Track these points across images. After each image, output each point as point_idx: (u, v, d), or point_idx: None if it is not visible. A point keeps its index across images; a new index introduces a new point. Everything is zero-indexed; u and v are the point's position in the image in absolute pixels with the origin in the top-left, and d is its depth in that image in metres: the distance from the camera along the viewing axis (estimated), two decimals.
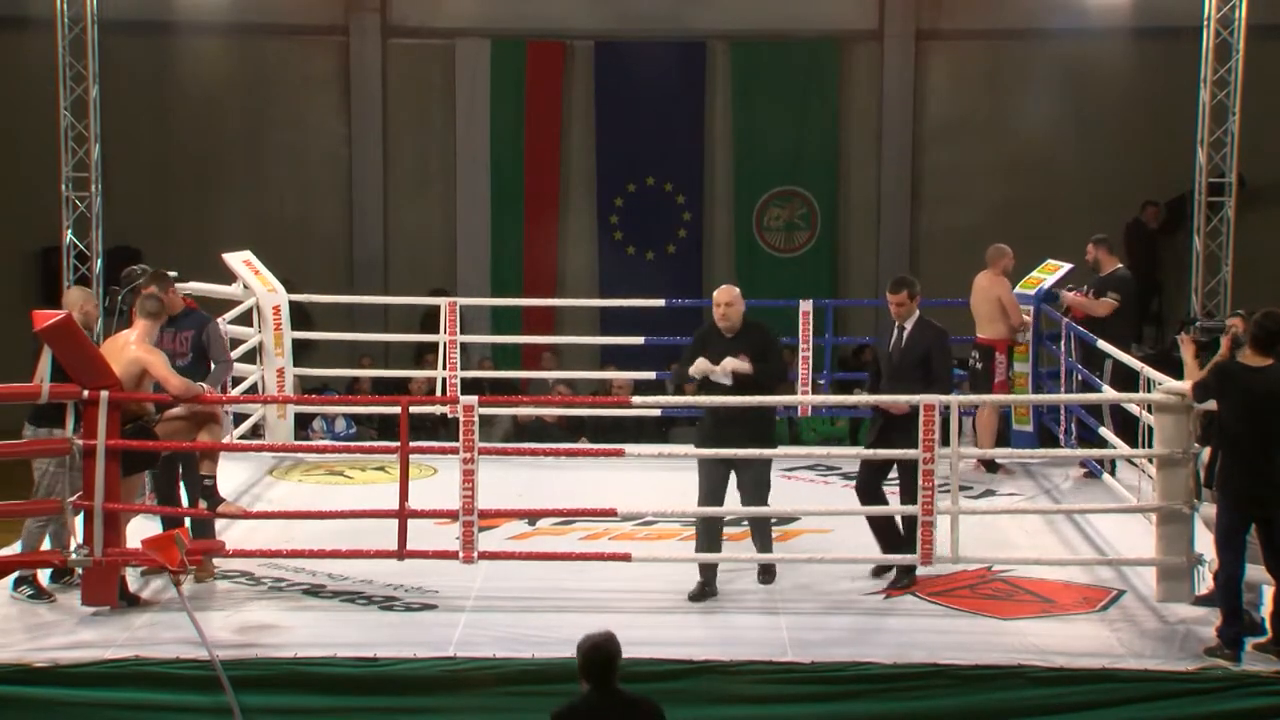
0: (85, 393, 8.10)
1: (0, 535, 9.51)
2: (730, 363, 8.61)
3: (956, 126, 17.10)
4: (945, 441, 8.31)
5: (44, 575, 8.60)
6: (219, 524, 9.32)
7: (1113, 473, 10.62)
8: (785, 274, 16.92)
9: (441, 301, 12.31)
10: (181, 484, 8.99)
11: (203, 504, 8.65)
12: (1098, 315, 11.18)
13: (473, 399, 8.39)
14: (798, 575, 8.86)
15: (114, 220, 13.05)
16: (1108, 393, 10.39)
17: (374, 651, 7.71)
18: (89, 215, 12.39)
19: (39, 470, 8.58)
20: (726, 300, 8.75)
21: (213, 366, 9.20)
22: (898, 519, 8.77)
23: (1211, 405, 8.15)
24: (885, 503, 8.90)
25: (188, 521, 8.66)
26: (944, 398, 8.35)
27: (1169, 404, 8.40)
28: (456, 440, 8.33)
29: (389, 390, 14.29)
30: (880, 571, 8.84)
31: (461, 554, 8.32)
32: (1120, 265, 11.49)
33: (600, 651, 6.32)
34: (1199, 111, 12.42)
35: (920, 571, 8.67)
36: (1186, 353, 9.04)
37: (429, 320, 15.99)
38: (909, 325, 8.91)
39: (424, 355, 14.37)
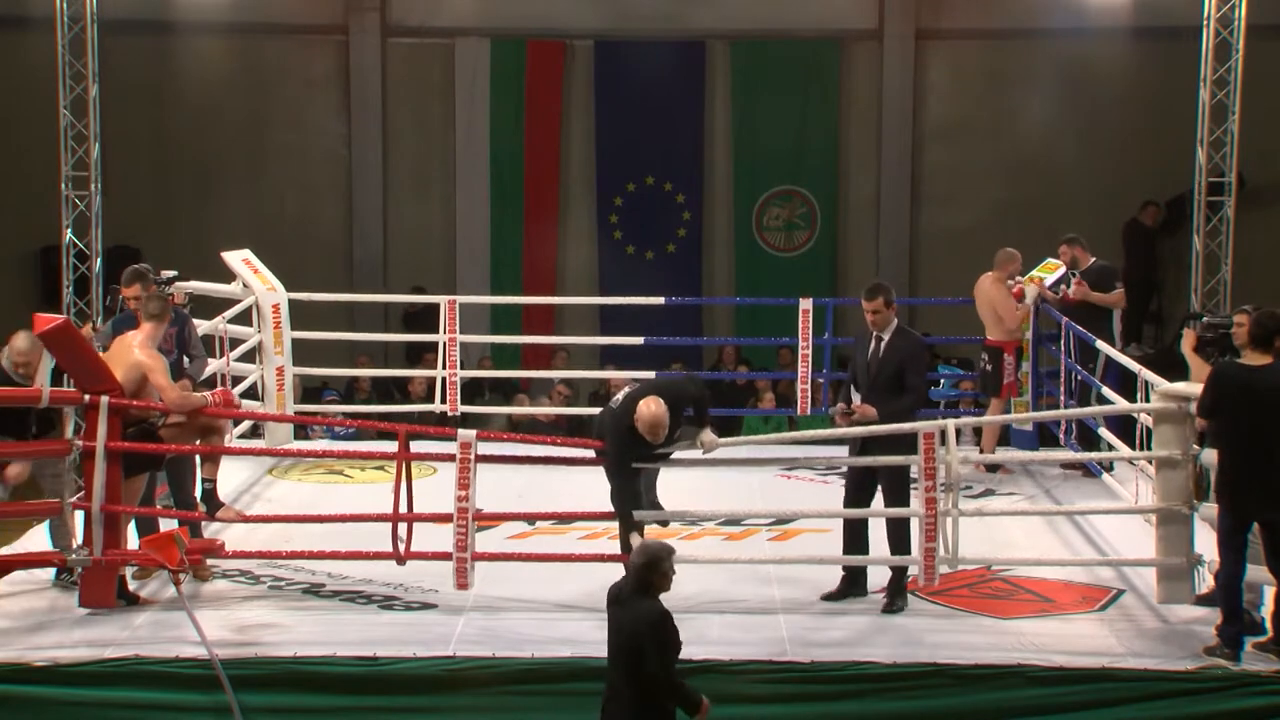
0: (86, 397, 8.10)
1: (0, 535, 9.53)
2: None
3: (956, 126, 17.11)
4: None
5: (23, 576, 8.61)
6: (217, 525, 9.32)
7: (1110, 470, 10.63)
8: (785, 273, 16.93)
9: (442, 300, 12.29)
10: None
11: (201, 507, 8.64)
12: (1117, 306, 11.27)
13: (470, 433, 8.32)
14: (798, 575, 8.86)
15: (114, 220, 13.04)
16: (1110, 399, 10.38)
17: (374, 651, 7.71)
18: (89, 214, 12.37)
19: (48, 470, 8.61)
20: (656, 425, 8.23)
21: (187, 362, 9.22)
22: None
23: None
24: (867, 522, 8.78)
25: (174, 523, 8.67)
26: (943, 423, 8.29)
27: (1168, 406, 8.39)
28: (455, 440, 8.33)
29: (388, 390, 14.31)
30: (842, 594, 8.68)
31: (455, 581, 8.28)
32: (1094, 259, 11.55)
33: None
34: (1199, 111, 12.41)
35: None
36: (1186, 344, 9.02)
37: (411, 319, 16.10)
38: (887, 335, 8.66)
39: (423, 355, 14.38)
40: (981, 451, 11.41)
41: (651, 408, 8.18)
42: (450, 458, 8.35)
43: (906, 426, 8.38)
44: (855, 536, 8.70)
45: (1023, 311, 11.55)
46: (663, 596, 6.63)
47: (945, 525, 8.22)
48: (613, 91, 17.09)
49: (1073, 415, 11.12)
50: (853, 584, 8.66)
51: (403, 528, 8.36)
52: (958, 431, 8.47)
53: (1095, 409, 10.63)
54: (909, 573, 8.53)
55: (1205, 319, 9.30)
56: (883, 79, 17.09)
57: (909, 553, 8.44)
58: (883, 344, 8.68)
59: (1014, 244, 11.87)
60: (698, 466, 9.23)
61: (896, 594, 8.52)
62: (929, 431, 8.20)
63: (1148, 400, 8.99)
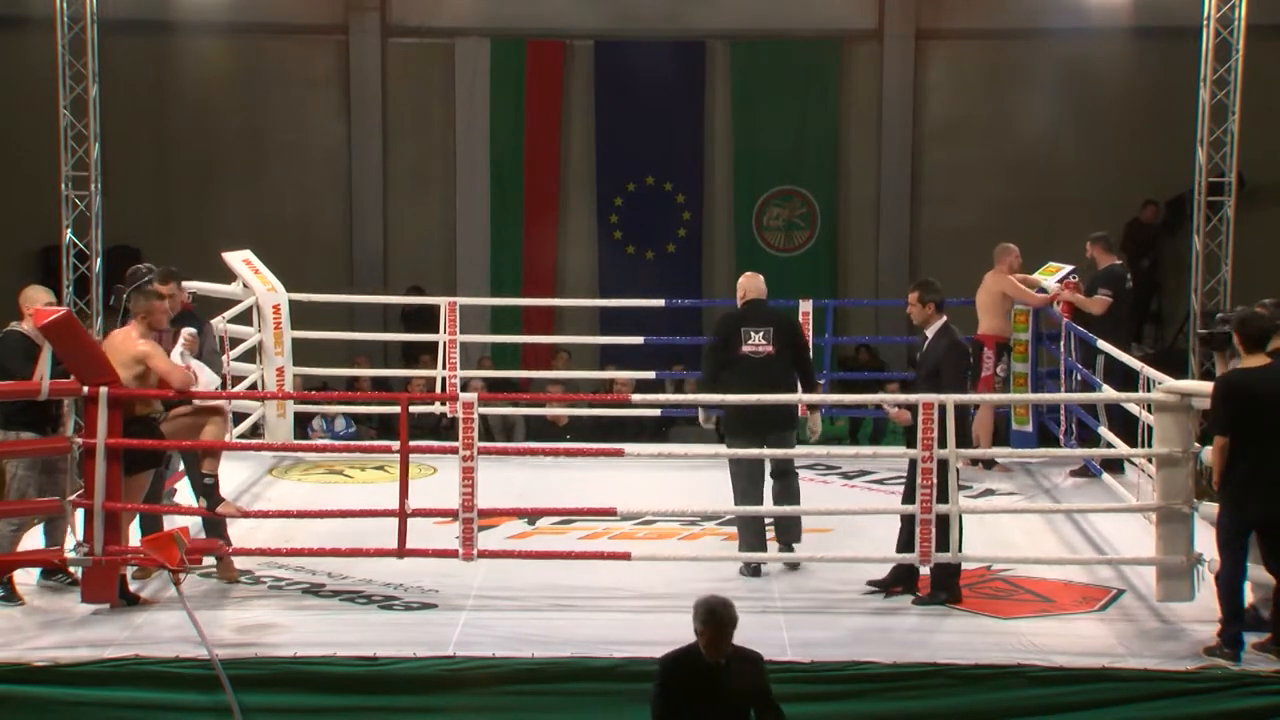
0: (85, 389, 8.10)
1: None
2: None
3: (956, 126, 17.11)
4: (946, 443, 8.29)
5: (22, 576, 8.58)
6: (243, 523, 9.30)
7: (1121, 470, 10.62)
8: (785, 273, 16.90)
9: (442, 301, 12.30)
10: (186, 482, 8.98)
11: (202, 502, 8.65)
12: (1093, 313, 11.19)
13: (472, 396, 8.39)
14: (798, 575, 8.86)
15: (114, 219, 13.06)
16: (1108, 392, 10.39)
17: (374, 651, 7.71)
18: (88, 214, 12.39)
19: (10, 473, 8.57)
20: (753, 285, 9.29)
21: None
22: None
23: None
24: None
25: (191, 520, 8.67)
26: (940, 396, 8.28)
27: (1168, 403, 8.39)
28: (456, 440, 8.33)
29: (388, 390, 14.30)
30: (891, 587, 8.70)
31: (461, 551, 8.32)
32: (1116, 262, 11.50)
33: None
34: (1199, 111, 12.42)
35: (923, 573, 8.64)
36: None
37: (408, 318, 16.10)
38: (930, 333, 8.72)
39: (420, 355, 14.38)
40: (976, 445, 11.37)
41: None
42: (452, 450, 8.36)
43: (909, 397, 8.44)
44: (910, 535, 8.64)
45: (1041, 299, 11.53)
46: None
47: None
48: (613, 91, 17.09)
49: (1070, 400, 11.13)
50: (901, 581, 8.64)
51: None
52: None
53: (1093, 395, 10.63)
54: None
55: (1218, 316, 9.22)
56: (883, 79, 17.10)
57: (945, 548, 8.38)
58: (925, 343, 8.78)
59: (1014, 244, 11.87)
60: (698, 467, 9.25)
61: (941, 587, 8.53)
62: (927, 403, 8.22)
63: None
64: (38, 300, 8.58)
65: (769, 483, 9.19)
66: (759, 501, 9.07)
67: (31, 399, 8.29)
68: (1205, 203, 12.53)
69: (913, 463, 8.58)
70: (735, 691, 6.51)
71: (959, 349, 8.78)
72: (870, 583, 8.67)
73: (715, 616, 6.48)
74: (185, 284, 10.30)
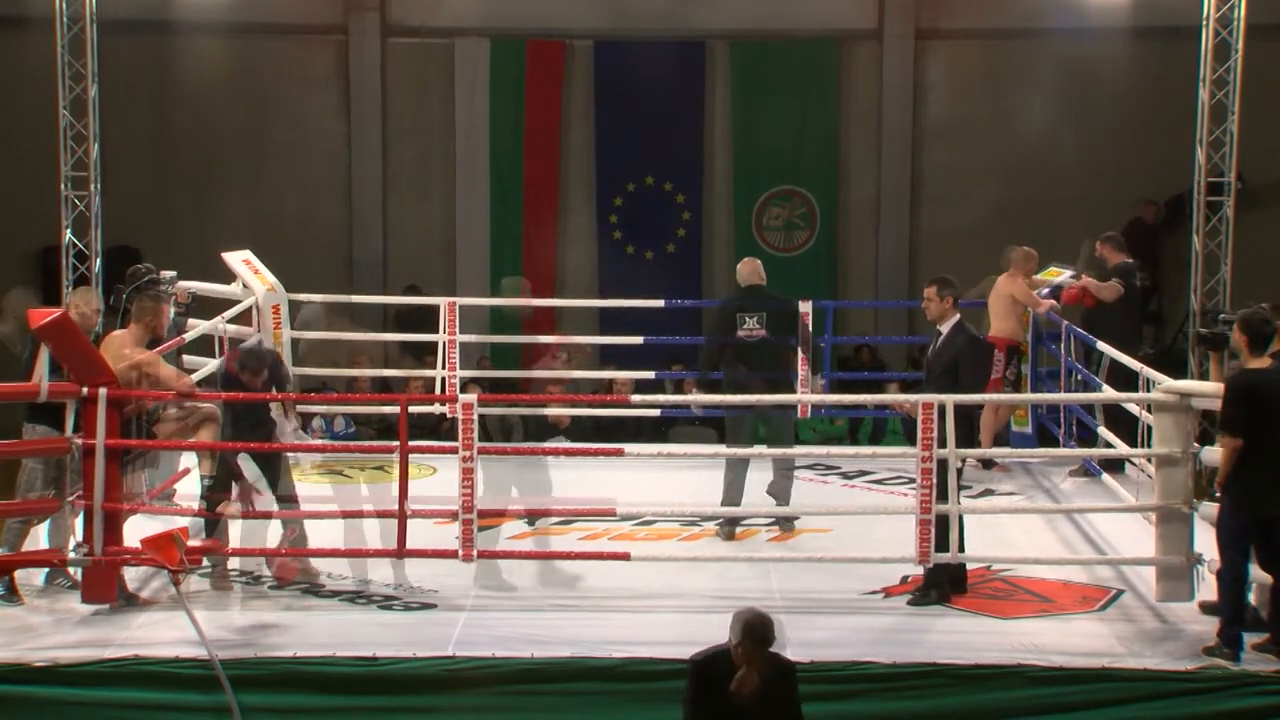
0: (84, 390, 8.10)
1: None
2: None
3: (956, 126, 17.10)
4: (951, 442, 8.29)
5: (24, 575, 8.57)
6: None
7: (1121, 470, 10.62)
8: (785, 274, 16.86)
9: (442, 301, 12.29)
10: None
11: (202, 504, 8.64)
12: (1105, 299, 11.21)
13: (471, 397, 8.39)
14: (798, 575, 8.86)
15: (114, 219, 13.06)
16: (1107, 392, 10.39)
17: (373, 651, 7.71)
18: (88, 215, 12.39)
19: (22, 464, 8.58)
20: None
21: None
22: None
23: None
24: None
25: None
26: (940, 396, 8.28)
27: (1168, 403, 8.39)
28: (456, 441, 8.33)
29: (388, 390, 14.27)
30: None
31: (461, 552, 8.32)
32: (1127, 259, 11.51)
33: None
34: (1198, 111, 12.42)
35: (920, 572, 8.65)
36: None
37: (403, 318, 16.07)
38: (945, 329, 8.73)
39: (422, 356, 14.35)
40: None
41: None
42: (452, 450, 8.36)
43: (912, 396, 8.46)
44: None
45: (1046, 304, 11.55)
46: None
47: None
48: (613, 91, 17.09)
49: (1070, 400, 11.12)
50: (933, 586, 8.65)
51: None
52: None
53: (1092, 395, 10.63)
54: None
55: (1222, 316, 9.22)
56: (883, 79, 17.09)
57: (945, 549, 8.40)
58: (939, 338, 8.78)
59: (1014, 244, 11.87)
60: (698, 467, 9.23)
61: (930, 586, 8.56)
62: (927, 403, 8.22)
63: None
64: (76, 302, 8.63)
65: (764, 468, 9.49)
66: (744, 469, 9.59)
67: (33, 399, 8.30)
68: (1205, 203, 12.54)
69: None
70: (759, 700, 6.52)
71: (979, 344, 8.86)
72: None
73: (751, 633, 6.50)
74: (183, 284, 10.34)
